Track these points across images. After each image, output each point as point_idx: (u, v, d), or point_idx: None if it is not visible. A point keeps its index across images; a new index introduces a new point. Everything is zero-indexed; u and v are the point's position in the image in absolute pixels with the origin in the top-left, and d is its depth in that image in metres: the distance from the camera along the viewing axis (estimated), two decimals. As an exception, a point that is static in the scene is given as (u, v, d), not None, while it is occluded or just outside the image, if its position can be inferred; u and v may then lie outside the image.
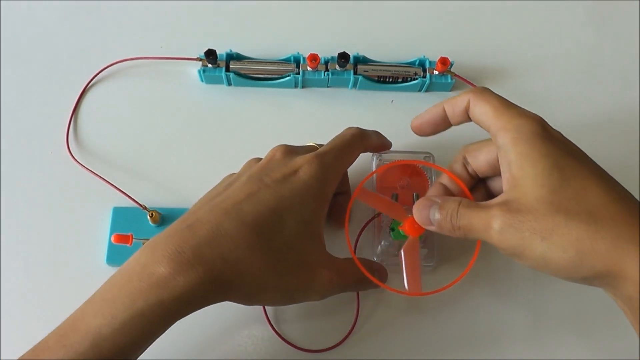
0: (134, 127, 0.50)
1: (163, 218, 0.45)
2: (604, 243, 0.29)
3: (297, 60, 0.50)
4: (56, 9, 0.54)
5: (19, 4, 0.54)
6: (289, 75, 0.50)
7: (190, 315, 0.33)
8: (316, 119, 0.51)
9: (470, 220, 0.33)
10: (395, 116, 0.51)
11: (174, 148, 0.49)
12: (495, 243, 0.33)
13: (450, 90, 0.52)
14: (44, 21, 0.53)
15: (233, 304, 0.35)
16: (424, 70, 0.51)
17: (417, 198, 0.39)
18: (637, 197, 0.32)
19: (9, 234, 0.45)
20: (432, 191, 0.40)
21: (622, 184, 0.33)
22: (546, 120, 0.34)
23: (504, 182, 0.33)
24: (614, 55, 0.55)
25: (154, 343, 0.33)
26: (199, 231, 0.33)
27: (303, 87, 0.52)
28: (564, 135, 0.34)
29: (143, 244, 0.41)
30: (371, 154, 0.46)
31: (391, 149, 0.44)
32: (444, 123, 0.38)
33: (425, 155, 0.46)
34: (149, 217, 0.44)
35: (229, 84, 0.51)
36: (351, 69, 0.50)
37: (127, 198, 0.45)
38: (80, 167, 0.47)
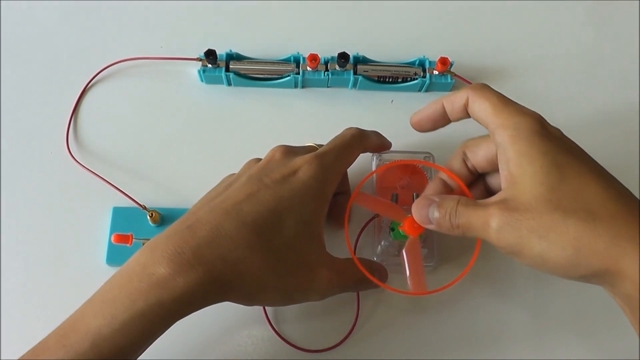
0: (134, 127, 0.50)
1: (163, 218, 0.45)
2: (602, 241, 0.29)
3: (297, 60, 0.50)
4: (56, 9, 0.54)
5: (19, 4, 0.54)
6: (289, 75, 0.50)
7: (190, 315, 0.33)
8: (316, 119, 0.51)
9: (468, 218, 0.33)
10: (395, 116, 0.51)
11: (174, 148, 0.49)
12: (493, 241, 0.33)
13: (450, 91, 0.52)
14: (44, 21, 0.53)
15: (233, 304, 0.35)
16: (424, 70, 0.51)
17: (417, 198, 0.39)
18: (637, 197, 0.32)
19: (9, 234, 0.45)
20: (432, 186, 0.40)
21: (622, 184, 0.32)
22: (546, 120, 0.34)
23: (502, 180, 0.33)
24: (614, 55, 0.55)
25: (154, 343, 0.33)
26: (198, 232, 0.33)
27: (303, 87, 0.52)
28: (563, 133, 0.34)
29: (143, 244, 0.41)
30: (371, 154, 0.46)
31: (391, 149, 0.44)
32: (443, 119, 0.38)
33: (425, 155, 0.46)
34: (148, 217, 0.44)
35: (229, 84, 0.51)
36: (351, 69, 0.50)
37: (127, 198, 0.45)
38: (80, 167, 0.47)
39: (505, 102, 0.34)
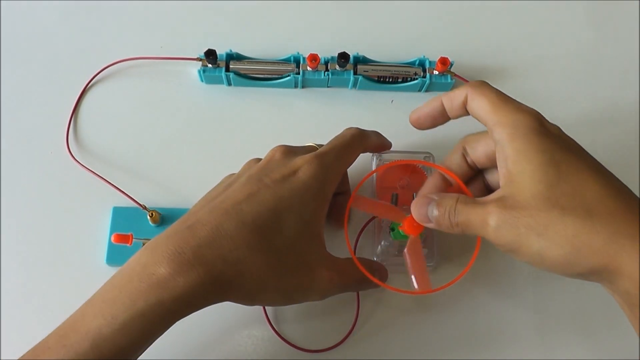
0: (134, 127, 0.50)
1: (163, 218, 0.45)
2: (599, 238, 0.29)
3: (297, 60, 0.50)
4: (56, 9, 0.54)
5: (19, 4, 0.54)
6: (289, 75, 0.50)
7: (190, 315, 0.33)
8: (316, 119, 0.51)
9: (467, 216, 0.33)
10: (395, 116, 0.51)
11: (174, 148, 0.49)
12: (491, 239, 0.33)
13: (450, 91, 0.52)
14: (44, 21, 0.53)
15: (233, 304, 0.35)
16: (424, 70, 0.51)
17: (417, 198, 0.39)
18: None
19: (9, 234, 0.45)
20: (431, 181, 0.40)
21: (621, 181, 0.32)
22: (545, 117, 0.34)
23: (501, 178, 0.33)
24: (614, 55, 0.55)
25: (154, 343, 0.33)
26: (199, 232, 0.33)
27: (303, 87, 0.52)
28: (562, 130, 0.34)
29: (143, 244, 0.41)
30: (371, 154, 0.46)
31: (391, 149, 0.44)
32: (442, 117, 0.38)
33: (425, 155, 0.46)
34: (148, 217, 0.44)
35: (229, 84, 0.51)
36: (351, 69, 0.50)
37: (127, 198, 0.45)
38: (80, 167, 0.47)
39: (503, 99, 0.34)
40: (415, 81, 0.50)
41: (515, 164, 0.32)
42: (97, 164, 0.47)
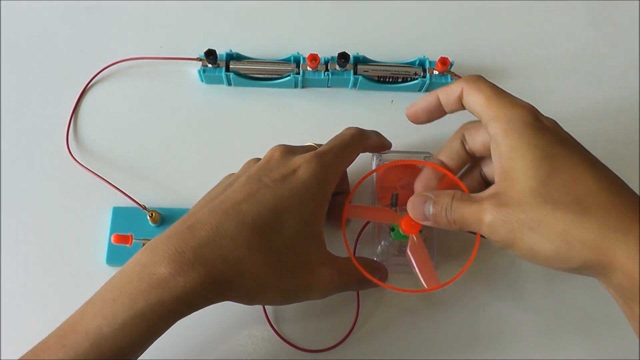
0: (134, 127, 0.50)
1: (163, 218, 0.45)
2: (591, 233, 0.30)
3: (297, 60, 0.50)
4: (56, 9, 0.54)
5: (19, 4, 0.54)
6: (289, 75, 0.50)
7: (190, 315, 0.33)
8: (316, 119, 0.51)
9: (463, 214, 0.34)
10: (395, 116, 0.51)
11: (174, 148, 0.49)
12: (487, 235, 0.33)
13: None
14: (44, 21, 0.53)
15: (233, 304, 0.35)
16: (424, 70, 0.51)
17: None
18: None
19: (9, 233, 0.45)
20: (428, 171, 0.41)
21: (616, 174, 0.32)
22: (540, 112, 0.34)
23: (495, 173, 0.34)
24: (614, 55, 0.55)
25: (154, 343, 0.33)
26: (199, 232, 0.33)
27: (303, 87, 0.52)
28: (558, 124, 0.34)
29: (143, 244, 0.41)
30: (371, 154, 0.46)
31: (391, 149, 0.44)
32: (439, 111, 0.38)
33: (425, 155, 0.46)
34: (148, 217, 0.44)
35: (229, 84, 0.51)
36: (351, 69, 0.50)
37: (127, 198, 0.45)
38: (80, 167, 0.47)
39: (498, 94, 0.34)
40: (415, 81, 0.50)
41: (508, 160, 0.32)
42: (97, 164, 0.47)
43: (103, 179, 0.46)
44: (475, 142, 0.38)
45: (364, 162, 0.45)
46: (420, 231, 0.39)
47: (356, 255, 0.43)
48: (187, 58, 0.50)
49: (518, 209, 0.31)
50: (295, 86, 0.51)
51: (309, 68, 0.50)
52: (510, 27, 0.56)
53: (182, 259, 0.32)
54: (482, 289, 0.46)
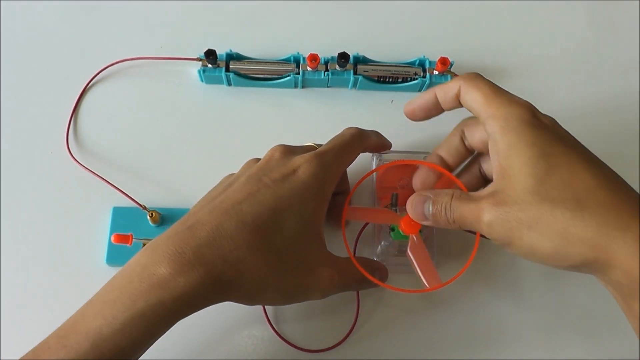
0: (134, 127, 0.50)
1: (163, 218, 0.45)
2: (589, 230, 0.29)
3: (297, 60, 0.50)
4: (56, 9, 0.54)
5: (19, 4, 0.54)
6: (289, 75, 0.50)
7: (191, 315, 0.33)
8: (316, 119, 0.51)
9: (462, 213, 0.34)
10: (395, 116, 0.51)
11: (174, 148, 0.49)
12: (486, 234, 0.33)
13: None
14: (44, 21, 0.53)
15: (233, 304, 0.35)
16: (424, 70, 0.51)
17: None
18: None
19: (9, 233, 0.45)
20: (430, 160, 0.41)
21: (615, 172, 0.32)
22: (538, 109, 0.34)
23: (494, 171, 0.34)
24: (614, 55, 0.55)
25: (154, 343, 0.33)
26: (199, 232, 0.33)
27: (303, 87, 0.52)
28: (556, 121, 0.34)
29: (143, 244, 0.41)
30: (371, 154, 0.46)
31: (391, 149, 0.44)
32: (436, 109, 0.39)
33: (425, 155, 0.46)
34: (148, 217, 0.44)
35: (229, 84, 0.51)
36: (351, 69, 0.50)
37: (127, 198, 0.45)
38: (80, 167, 0.47)
39: (496, 91, 0.34)
40: (415, 81, 0.50)
41: (506, 159, 0.32)
42: (97, 164, 0.47)
43: (103, 179, 0.46)
44: (474, 138, 0.38)
45: (364, 162, 0.45)
46: (420, 231, 0.39)
47: (356, 255, 0.43)
48: (187, 58, 0.50)
49: (516, 208, 0.31)
50: (295, 86, 0.51)
51: (309, 68, 0.50)
52: (510, 27, 0.56)
53: (182, 259, 0.32)
54: (482, 289, 0.46)
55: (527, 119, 0.33)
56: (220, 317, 0.43)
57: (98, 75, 0.51)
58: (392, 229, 0.42)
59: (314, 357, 0.43)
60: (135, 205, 0.45)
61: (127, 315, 0.31)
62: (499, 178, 0.33)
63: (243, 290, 0.34)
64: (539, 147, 0.32)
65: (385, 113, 0.51)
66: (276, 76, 0.50)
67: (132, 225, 0.44)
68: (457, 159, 0.40)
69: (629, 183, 0.32)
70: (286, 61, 0.51)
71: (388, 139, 0.44)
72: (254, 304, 0.37)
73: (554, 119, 0.34)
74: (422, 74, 0.50)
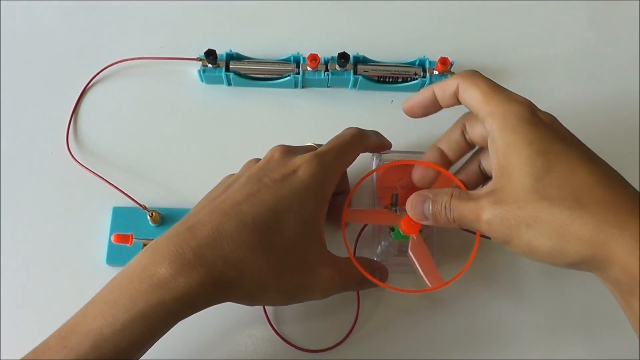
0: (134, 127, 0.50)
1: (163, 218, 0.45)
2: (587, 228, 0.29)
3: (297, 60, 0.50)
4: (56, 9, 0.54)
5: (19, 4, 0.54)
6: (289, 75, 0.50)
7: (191, 315, 0.33)
8: (316, 119, 0.51)
9: (461, 212, 0.34)
10: (395, 116, 0.50)
11: (174, 148, 0.49)
12: (485, 233, 0.33)
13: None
14: (44, 21, 0.53)
15: (233, 304, 0.35)
16: (424, 70, 0.51)
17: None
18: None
19: (9, 233, 0.45)
20: (429, 155, 0.41)
21: (614, 169, 0.32)
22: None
23: (493, 170, 0.34)
24: (614, 55, 0.55)
25: (155, 343, 0.33)
26: (199, 233, 0.33)
27: (303, 87, 0.52)
28: (555, 118, 0.34)
29: (143, 244, 0.41)
30: (371, 154, 0.46)
31: (391, 149, 0.44)
32: (434, 106, 0.38)
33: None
34: (148, 217, 0.44)
35: (229, 84, 0.51)
36: (351, 69, 0.50)
37: (127, 198, 0.45)
38: (80, 167, 0.47)
39: (494, 89, 0.34)
40: (415, 81, 0.50)
41: (505, 157, 0.32)
42: (97, 164, 0.47)
43: (103, 179, 0.46)
44: (475, 132, 0.38)
45: (364, 162, 0.45)
46: (420, 230, 0.39)
47: (356, 255, 0.43)
48: (187, 58, 0.50)
49: (515, 206, 0.31)
50: (295, 86, 0.51)
51: (309, 68, 0.50)
52: (510, 27, 0.56)
53: (182, 259, 0.32)
54: (482, 289, 0.46)
55: (525, 117, 0.33)
56: (220, 317, 0.43)
57: (98, 75, 0.51)
58: (392, 229, 0.42)
59: (314, 357, 0.43)
60: (135, 205, 0.45)
61: (127, 315, 0.31)
62: (498, 176, 0.33)
63: (243, 291, 0.34)
64: (537, 145, 0.32)
65: (385, 113, 0.51)
66: (276, 76, 0.50)
67: (132, 225, 0.44)
68: (458, 153, 0.40)
69: (630, 182, 0.32)
70: (286, 61, 0.51)
71: (388, 139, 0.44)
72: (254, 304, 0.37)
73: (553, 116, 0.34)
74: (422, 74, 0.50)
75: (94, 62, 0.51)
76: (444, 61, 0.49)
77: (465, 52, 0.53)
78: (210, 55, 0.48)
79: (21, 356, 0.32)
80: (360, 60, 0.51)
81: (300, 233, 0.36)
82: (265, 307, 0.43)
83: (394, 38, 0.54)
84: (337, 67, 0.50)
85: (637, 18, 0.57)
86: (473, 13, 0.56)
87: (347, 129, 0.41)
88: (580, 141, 0.34)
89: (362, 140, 0.41)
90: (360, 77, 0.50)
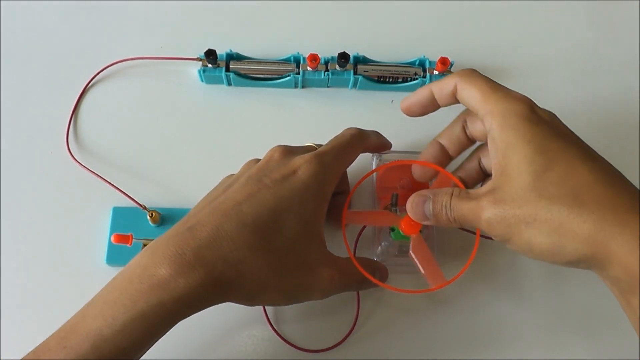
0: (134, 127, 0.50)
1: (163, 218, 0.45)
2: (586, 226, 0.29)
3: (297, 60, 0.50)
4: (56, 9, 0.54)
5: (19, 4, 0.54)
6: (289, 75, 0.50)
7: (191, 315, 0.33)
8: (316, 119, 0.51)
9: (462, 212, 0.34)
10: (395, 116, 0.50)
11: (174, 148, 0.49)
12: (486, 231, 0.33)
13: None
14: (44, 21, 0.53)
15: (233, 305, 0.35)
16: (424, 70, 0.51)
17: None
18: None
19: (9, 233, 0.45)
20: (430, 149, 0.41)
21: (613, 167, 0.32)
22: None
23: (493, 169, 0.34)
24: (614, 55, 0.55)
25: (155, 344, 0.33)
26: (199, 233, 0.33)
27: (303, 87, 0.52)
28: (555, 115, 0.34)
29: (143, 244, 0.41)
30: (371, 154, 0.46)
31: (391, 149, 0.44)
32: (432, 105, 0.38)
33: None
34: (148, 217, 0.44)
35: (229, 84, 0.51)
36: (351, 69, 0.50)
37: (127, 198, 0.45)
38: (80, 167, 0.47)
39: (493, 87, 0.34)
40: (416, 81, 0.50)
41: (504, 156, 0.32)
42: (97, 164, 0.47)
43: (103, 179, 0.46)
44: (476, 128, 0.38)
45: (364, 162, 0.45)
46: (420, 230, 0.39)
47: (356, 255, 0.43)
48: (187, 58, 0.50)
49: (514, 205, 0.31)
50: (295, 86, 0.51)
51: (309, 68, 0.50)
52: (510, 27, 0.56)
53: (182, 260, 0.32)
54: (482, 289, 0.46)
55: (525, 115, 0.33)
56: (220, 317, 0.43)
57: (98, 75, 0.51)
58: (392, 230, 0.42)
59: (314, 357, 0.43)
60: (135, 205, 0.45)
61: (127, 316, 0.31)
62: (498, 175, 0.33)
63: (243, 291, 0.34)
64: (536, 144, 0.32)
65: (385, 113, 0.51)
66: (276, 76, 0.50)
67: (132, 225, 0.44)
68: (458, 148, 0.40)
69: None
70: (286, 61, 0.51)
71: (388, 139, 0.44)
72: (254, 305, 0.37)
73: (552, 114, 0.34)
74: (422, 74, 0.50)
75: (94, 62, 0.51)
76: (444, 61, 0.49)
77: (465, 52, 0.53)
78: (210, 55, 0.48)
79: (21, 356, 0.32)
80: (360, 60, 0.51)
81: (300, 233, 0.36)
82: (265, 307, 0.43)
83: (394, 38, 0.54)
84: (337, 67, 0.50)
85: (637, 18, 0.57)
86: (473, 13, 0.56)
87: (347, 129, 0.41)
88: (579, 139, 0.34)
89: (362, 140, 0.41)
90: (360, 77, 0.50)
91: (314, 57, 0.49)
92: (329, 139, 0.41)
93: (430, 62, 0.50)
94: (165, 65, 0.52)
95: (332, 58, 0.50)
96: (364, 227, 0.45)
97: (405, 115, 0.40)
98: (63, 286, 0.44)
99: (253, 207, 0.34)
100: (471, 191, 0.34)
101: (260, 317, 0.43)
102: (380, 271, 0.40)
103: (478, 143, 0.41)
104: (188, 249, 0.32)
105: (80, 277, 0.44)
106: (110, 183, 0.46)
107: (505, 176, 0.32)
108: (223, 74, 0.49)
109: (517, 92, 0.34)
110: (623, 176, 0.32)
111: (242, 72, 0.50)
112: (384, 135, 0.44)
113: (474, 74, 0.35)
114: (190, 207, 0.38)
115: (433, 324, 0.44)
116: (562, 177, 0.31)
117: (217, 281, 0.32)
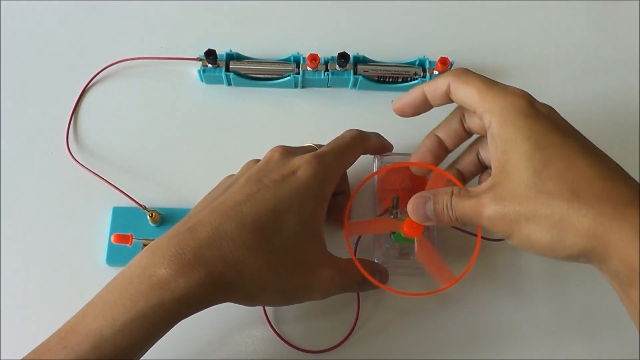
0: (134, 127, 0.50)
1: (163, 218, 0.45)
2: (585, 221, 0.29)
3: (297, 60, 0.50)
4: (56, 9, 0.54)
5: (19, 4, 0.54)
6: (289, 75, 0.50)
7: (191, 315, 0.33)
8: (316, 119, 0.51)
9: (463, 210, 0.34)
10: (395, 117, 0.50)
11: (174, 148, 0.49)
12: (487, 228, 0.33)
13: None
14: (44, 21, 0.53)
15: (233, 305, 0.35)
16: (424, 70, 0.51)
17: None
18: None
19: (9, 234, 0.45)
20: (427, 142, 0.40)
21: (613, 161, 0.32)
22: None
23: (492, 165, 0.34)
24: (614, 55, 0.55)
25: (155, 344, 0.33)
26: (199, 233, 0.33)
27: (303, 87, 0.52)
28: (554, 110, 0.34)
29: (143, 244, 0.41)
30: (372, 156, 0.46)
31: (392, 151, 0.44)
32: (425, 105, 0.38)
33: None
34: (148, 217, 0.44)
35: (229, 84, 0.51)
36: (351, 69, 0.50)
37: (127, 198, 0.45)
38: (80, 167, 0.47)
39: (489, 85, 0.34)
40: (416, 81, 0.50)
41: (504, 153, 0.32)
42: (97, 164, 0.47)
43: (103, 179, 0.46)
44: (474, 122, 0.38)
45: (365, 163, 0.45)
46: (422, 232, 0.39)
47: (357, 257, 0.43)
48: (187, 58, 0.50)
49: (514, 201, 0.31)
50: (295, 86, 0.51)
51: (309, 68, 0.50)
52: (510, 27, 0.56)
53: (182, 260, 0.32)
54: (483, 289, 0.46)
55: (524, 110, 0.33)
56: (220, 317, 0.43)
57: (98, 75, 0.51)
58: (393, 232, 0.42)
59: (314, 357, 0.43)
60: (135, 205, 0.45)
61: (127, 316, 0.31)
62: (497, 172, 0.33)
63: (243, 291, 0.34)
64: (535, 139, 0.32)
65: (385, 113, 0.51)
66: (276, 76, 0.50)
67: (132, 225, 0.44)
68: (456, 141, 0.40)
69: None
70: (286, 61, 0.51)
71: (389, 139, 0.44)
72: (254, 305, 0.37)
73: (551, 108, 0.34)
74: (422, 74, 0.50)
75: (94, 62, 0.51)
76: (444, 61, 0.49)
77: (465, 52, 0.53)
78: (210, 55, 0.48)
79: (21, 356, 0.32)
80: (360, 60, 0.50)
81: (300, 233, 0.36)
82: (265, 307, 0.43)
83: (394, 38, 0.54)
84: (337, 67, 0.50)
85: (637, 18, 0.57)
86: (473, 13, 0.56)
87: (347, 130, 0.41)
88: (579, 133, 0.34)
89: (362, 141, 0.41)
90: (360, 77, 0.50)
91: (313, 57, 0.49)
92: (329, 140, 0.41)
93: (430, 62, 0.50)
94: (165, 65, 0.52)
95: (332, 58, 0.50)
96: (365, 231, 0.44)
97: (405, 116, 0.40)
98: (63, 286, 0.44)
99: (253, 207, 0.34)
100: (471, 189, 0.34)
101: (260, 317, 0.43)
102: (380, 273, 0.40)
103: (476, 136, 0.41)
104: (188, 249, 0.32)
105: (80, 277, 0.44)
106: (110, 183, 0.46)
107: (505, 173, 0.32)
108: (223, 74, 0.49)
109: (515, 87, 0.34)
110: (623, 170, 0.32)
111: (242, 72, 0.50)
112: (384, 136, 0.44)
113: (467, 72, 0.35)
114: (190, 207, 0.38)
115: (433, 325, 0.44)
116: (561, 172, 0.31)
117: (217, 281, 0.32)
